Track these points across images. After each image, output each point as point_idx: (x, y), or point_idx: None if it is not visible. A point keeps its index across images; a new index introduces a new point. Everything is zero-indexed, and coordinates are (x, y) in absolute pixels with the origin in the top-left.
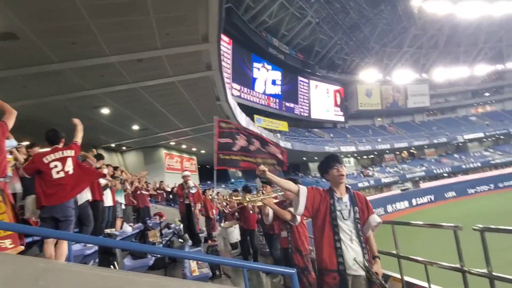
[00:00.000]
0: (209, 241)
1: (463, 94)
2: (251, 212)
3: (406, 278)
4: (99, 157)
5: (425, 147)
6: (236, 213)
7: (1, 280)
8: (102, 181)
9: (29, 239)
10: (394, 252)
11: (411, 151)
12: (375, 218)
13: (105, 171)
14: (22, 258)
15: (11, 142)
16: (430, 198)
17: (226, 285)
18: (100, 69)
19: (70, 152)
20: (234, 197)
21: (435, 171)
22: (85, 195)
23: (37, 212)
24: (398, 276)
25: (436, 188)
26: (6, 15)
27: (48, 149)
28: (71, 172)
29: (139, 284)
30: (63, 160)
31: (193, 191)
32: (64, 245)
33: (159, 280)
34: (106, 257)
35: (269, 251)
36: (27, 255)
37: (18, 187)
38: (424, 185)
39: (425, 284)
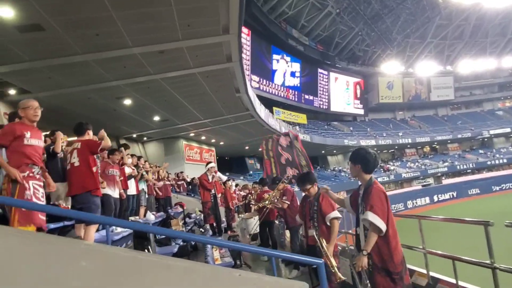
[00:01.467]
0: (229, 232)
1: (490, 87)
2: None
3: (432, 273)
4: (124, 146)
5: (449, 142)
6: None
7: (45, 258)
8: (127, 170)
9: (59, 224)
10: (420, 247)
11: (434, 146)
12: (366, 215)
13: (129, 161)
14: (64, 239)
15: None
16: (453, 195)
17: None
18: (122, 61)
19: (77, 144)
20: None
21: (458, 167)
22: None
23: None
24: (423, 271)
25: (459, 185)
26: (33, 7)
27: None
28: (76, 164)
29: (175, 268)
30: (71, 152)
31: (224, 179)
32: (92, 232)
33: (193, 265)
34: (140, 241)
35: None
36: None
37: None
38: (446, 181)
39: (450, 279)
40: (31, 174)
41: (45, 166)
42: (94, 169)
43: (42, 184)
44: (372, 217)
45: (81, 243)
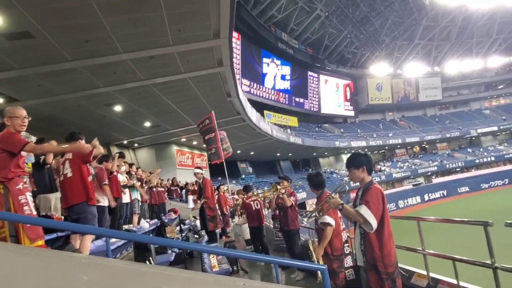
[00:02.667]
0: (224, 237)
1: (476, 87)
2: (253, 208)
3: (432, 274)
4: (120, 156)
5: (438, 141)
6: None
7: (46, 273)
8: (121, 178)
9: (53, 235)
10: (419, 248)
11: (423, 145)
12: (359, 208)
13: (123, 168)
14: (64, 253)
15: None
16: (443, 193)
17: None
18: (112, 67)
19: (68, 155)
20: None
21: (447, 166)
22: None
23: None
24: (423, 272)
25: (448, 183)
26: (21, 14)
27: None
28: (69, 175)
29: (179, 279)
30: (63, 162)
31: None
32: (88, 241)
33: (197, 275)
34: (141, 252)
35: (286, 247)
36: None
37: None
38: (436, 180)
39: (451, 280)
40: (24, 185)
41: (31, 176)
42: (89, 178)
43: (31, 194)
44: (365, 211)
45: (82, 257)
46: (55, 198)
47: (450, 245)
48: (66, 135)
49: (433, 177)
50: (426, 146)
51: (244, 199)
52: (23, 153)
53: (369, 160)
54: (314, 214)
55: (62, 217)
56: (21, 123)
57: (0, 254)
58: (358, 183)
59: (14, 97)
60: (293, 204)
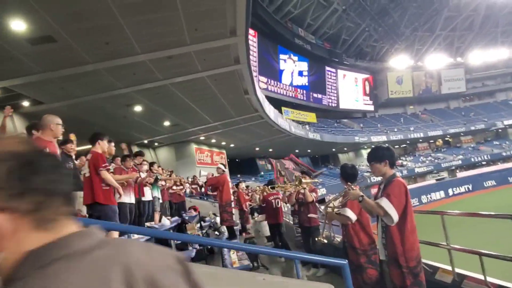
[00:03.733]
0: (244, 234)
1: (502, 77)
2: (274, 206)
3: (457, 270)
4: (139, 154)
5: (462, 134)
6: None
7: None
8: (142, 176)
9: None
10: (443, 243)
11: (446, 139)
12: (380, 200)
13: (145, 167)
14: None
15: None
16: (468, 188)
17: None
18: (132, 68)
19: (88, 156)
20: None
21: (472, 159)
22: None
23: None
24: (448, 267)
25: (474, 177)
26: (44, 19)
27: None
28: (87, 174)
29: (200, 274)
30: (86, 162)
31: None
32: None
33: (218, 271)
34: None
35: (304, 244)
36: None
37: None
38: (461, 174)
39: (478, 275)
40: None
41: None
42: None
43: None
44: (385, 203)
45: None
46: (79, 196)
47: (476, 240)
48: (88, 136)
49: (458, 171)
50: (450, 140)
51: (265, 194)
52: None
53: (392, 154)
54: (332, 204)
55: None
56: (61, 130)
57: None
58: (380, 178)
59: (39, 100)
60: (314, 200)
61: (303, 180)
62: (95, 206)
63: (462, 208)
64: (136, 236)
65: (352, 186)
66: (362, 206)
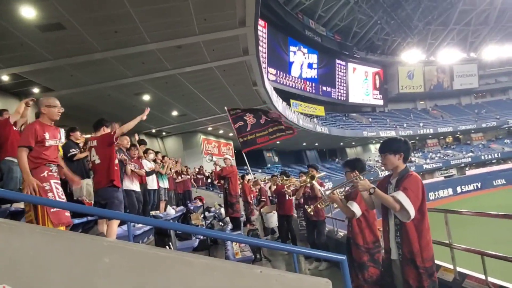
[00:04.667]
0: (248, 225)
1: None
2: (287, 197)
3: (459, 269)
4: (141, 142)
5: (472, 131)
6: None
7: (69, 255)
8: (148, 165)
9: (83, 219)
10: (446, 241)
11: (457, 136)
12: (396, 193)
13: (151, 156)
14: (88, 236)
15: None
16: (477, 186)
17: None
18: (141, 57)
19: (93, 143)
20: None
21: (482, 157)
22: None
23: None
24: (449, 266)
25: (483, 175)
26: (53, 6)
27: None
28: (97, 161)
29: (196, 265)
30: (90, 149)
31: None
32: (114, 225)
33: (214, 262)
34: (161, 238)
35: (308, 237)
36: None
37: None
38: (470, 172)
39: (479, 275)
40: (49, 173)
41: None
42: (116, 162)
43: (59, 182)
44: (402, 197)
45: (104, 240)
46: (86, 184)
47: (481, 240)
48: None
49: (467, 168)
50: (460, 137)
51: (279, 185)
52: (50, 142)
53: (408, 148)
54: (336, 191)
55: (92, 202)
56: (57, 112)
57: (29, 236)
58: (389, 172)
59: (49, 87)
60: (322, 195)
61: (316, 175)
62: (108, 190)
63: (469, 206)
64: (140, 225)
65: (361, 176)
66: (368, 199)
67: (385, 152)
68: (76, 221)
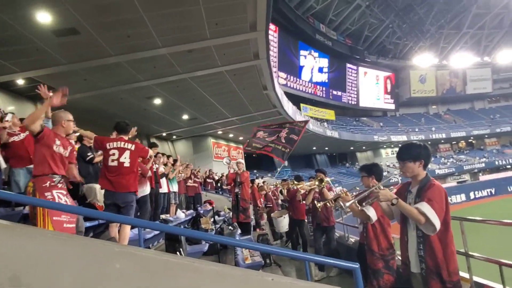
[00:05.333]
0: (258, 230)
1: None
2: (300, 202)
3: (475, 278)
4: (153, 145)
5: (486, 136)
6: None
7: (81, 260)
8: (161, 169)
9: (94, 223)
10: (462, 250)
11: (470, 141)
12: (421, 205)
13: (161, 160)
14: (99, 241)
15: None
16: (491, 192)
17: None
18: (152, 61)
19: (131, 146)
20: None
21: (496, 163)
22: (146, 189)
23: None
24: (465, 275)
25: (497, 181)
26: (68, 11)
27: (114, 137)
28: (126, 164)
29: (207, 272)
30: (121, 150)
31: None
32: (127, 229)
33: (225, 269)
34: (172, 243)
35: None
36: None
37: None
38: (484, 177)
39: (497, 285)
40: (52, 184)
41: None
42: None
43: (65, 192)
44: (428, 209)
45: (115, 245)
46: (99, 188)
47: (497, 248)
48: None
49: (480, 174)
50: (473, 142)
51: (293, 189)
52: (60, 149)
53: (429, 154)
54: (353, 200)
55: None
56: (72, 126)
57: (42, 240)
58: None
59: None
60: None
61: (325, 179)
62: (131, 194)
63: (483, 212)
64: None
65: (381, 186)
66: (387, 209)
67: (405, 159)
68: (88, 224)
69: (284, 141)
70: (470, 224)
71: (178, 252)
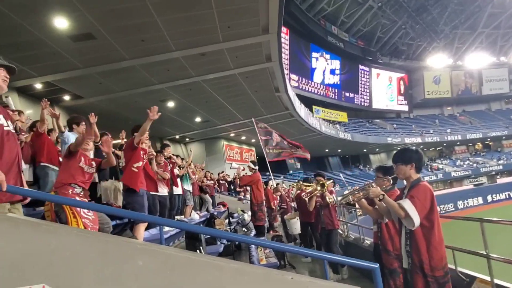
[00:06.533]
0: (271, 232)
1: None
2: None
3: (497, 281)
4: (164, 146)
5: (504, 138)
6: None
7: (104, 256)
8: (176, 171)
9: (112, 222)
10: (483, 252)
11: (487, 142)
12: (403, 201)
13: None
14: (122, 238)
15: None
16: (509, 195)
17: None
18: (166, 64)
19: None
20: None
21: None
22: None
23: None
24: (486, 278)
25: None
26: (84, 17)
27: None
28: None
29: (227, 269)
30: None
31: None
32: (142, 229)
33: (245, 267)
34: (192, 242)
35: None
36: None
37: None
38: (501, 180)
39: None
40: (73, 192)
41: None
42: (134, 166)
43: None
44: (408, 205)
45: (137, 243)
46: (114, 186)
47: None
48: (119, 129)
49: (498, 176)
50: (490, 143)
51: (299, 192)
52: (82, 164)
53: (420, 157)
54: (349, 197)
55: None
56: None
57: (66, 237)
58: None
59: (79, 94)
60: (333, 201)
61: (326, 183)
62: (128, 194)
63: (501, 216)
64: (167, 228)
65: (373, 184)
66: (385, 209)
67: (397, 162)
68: None
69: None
70: (488, 226)
71: (198, 250)
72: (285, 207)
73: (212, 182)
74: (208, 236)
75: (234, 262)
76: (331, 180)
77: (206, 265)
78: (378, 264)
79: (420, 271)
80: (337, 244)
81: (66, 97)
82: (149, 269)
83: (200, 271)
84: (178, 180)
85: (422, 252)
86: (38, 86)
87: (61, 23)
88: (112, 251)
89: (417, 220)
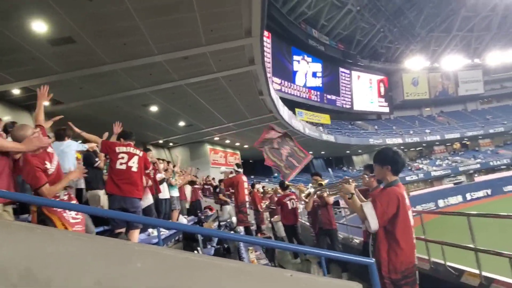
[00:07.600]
0: (259, 234)
1: None
2: (289, 207)
3: (484, 273)
4: (146, 150)
5: (480, 137)
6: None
7: (102, 259)
8: (159, 176)
9: (100, 228)
10: (471, 245)
11: (464, 142)
12: (365, 204)
13: (161, 166)
14: (119, 241)
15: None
16: (487, 192)
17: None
18: (148, 68)
19: (139, 152)
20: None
21: (491, 163)
22: (149, 198)
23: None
24: (474, 271)
25: (493, 182)
26: (64, 21)
27: (123, 142)
28: (134, 169)
29: (227, 268)
30: (130, 155)
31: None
32: (136, 234)
33: (244, 266)
34: (189, 243)
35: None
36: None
37: (80, 182)
38: (479, 178)
39: (506, 279)
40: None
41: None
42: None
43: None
44: (368, 208)
45: (135, 245)
46: (102, 194)
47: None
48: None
49: (476, 175)
50: (468, 143)
51: (280, 196)
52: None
53: (396, 160)
54: (327, 191)
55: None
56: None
57: (62, 240)
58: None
59: (59, 100)
60: (333, 200)
61: (323, 183)
62: (138, 201)
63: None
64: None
65: (350, 181)
66: (348, 204)
67: (375, 162)
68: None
69: (285, 161)
70: (473, 221)
71: (195, 251)
72: (274, 207)
73: (198, 186)
74: (201, 239)
75: (233, 261)
76: (327, 180)
77: (206, 265)
78: (373, 260)
79: (379, 271)
80: (338, 244)
81: (46, 103)
82: (148, 270)
83: (200, 271)
84: (164, 185)
85: (381, 253)
86: (16, 91)
87: (39, 27)
88: (110, 253)
89: (374, 224)
